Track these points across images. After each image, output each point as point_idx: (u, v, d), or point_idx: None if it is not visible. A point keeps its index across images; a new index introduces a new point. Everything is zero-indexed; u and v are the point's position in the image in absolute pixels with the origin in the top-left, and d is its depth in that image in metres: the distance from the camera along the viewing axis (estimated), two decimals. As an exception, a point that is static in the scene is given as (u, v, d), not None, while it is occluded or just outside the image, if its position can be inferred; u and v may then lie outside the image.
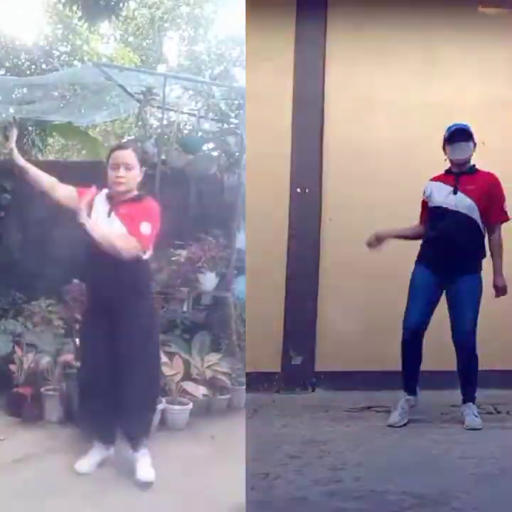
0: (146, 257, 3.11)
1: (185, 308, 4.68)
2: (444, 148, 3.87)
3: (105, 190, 3.16)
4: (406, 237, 3.95)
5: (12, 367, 4.06)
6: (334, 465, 2.90)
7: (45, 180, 3.24)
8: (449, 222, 3.74)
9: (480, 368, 4.18)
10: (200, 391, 4.06)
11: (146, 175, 4.97)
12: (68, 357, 4.07)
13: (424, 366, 3.92)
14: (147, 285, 3.28)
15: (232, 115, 5.72)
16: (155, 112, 6.36)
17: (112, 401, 3.09)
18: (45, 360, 4.05)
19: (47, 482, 3.02)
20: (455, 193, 3.76)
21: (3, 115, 6.19)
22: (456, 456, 3.06)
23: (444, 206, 3.76)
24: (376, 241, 3.88)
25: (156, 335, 3.31)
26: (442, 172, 3.91)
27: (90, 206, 3.06)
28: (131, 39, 12.68)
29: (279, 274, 4.76)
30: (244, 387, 4.21)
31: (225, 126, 5.65)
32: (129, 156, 3.07)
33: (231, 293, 4.77)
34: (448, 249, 3.72)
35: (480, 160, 4.77)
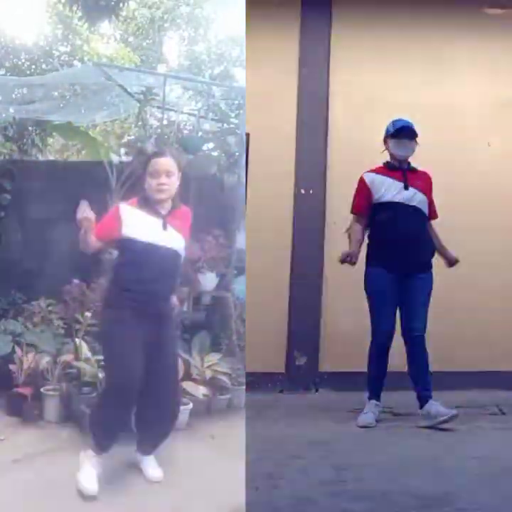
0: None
1: (185, 308, 4.68)
2: (385, 141, 3.87)
3: (125, 204, 3.09)
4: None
5: (12, 367, 4.05)
6: (338, 465, 2.90)
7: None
8: (404, 217, 3.74)
9: (484, 369, 4.20)
10: (200, 391, 4.06)
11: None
12: (68, 357, 4.07)
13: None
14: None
15: (232, 115, 5.72)
16: (155, 112, 6.36)
17: (140, 406, 3.03)
18: (45, 360, 4.05)
19: (47, 482, 3.01)
20: (406, 188, 3.76)
21: (3, 115, 6.20)
22: (459, 457, 3.06)
23: (398, 201, 3.76)
24: (351, 258, 3.84)
25: (178, 343, 3.38)
26: (379, 165, 3.89)
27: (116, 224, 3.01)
28: (131, 39, 12.67)
29: (283, 275, 4.77)
30: (244, 387, 4.21)
31: (225, 126, 5.65)
32: (170, 163, 3.04)
33: (231, 293, 4.77)
34: (406, 244, 3.72)
35: (486, 160, 4.80)
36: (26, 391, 3.90)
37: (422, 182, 3.85)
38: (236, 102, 5.74)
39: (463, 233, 4.73)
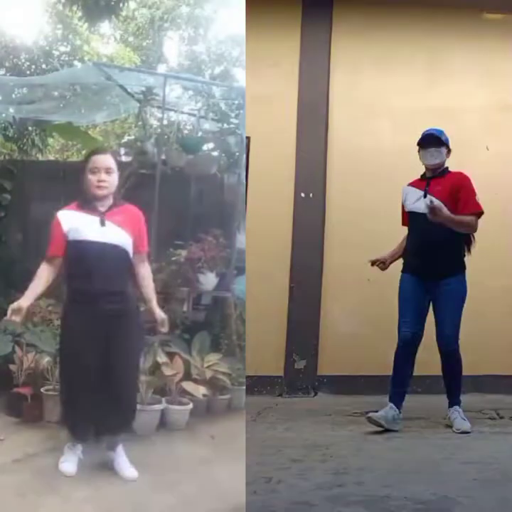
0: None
1: (185, 308, 4.68)
2: (419, 152, 3.87)
3: (65, 210, 3.15)
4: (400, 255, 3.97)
5: (12, 367, 4.05)
6: (337, 469, 2.89)
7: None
8: (422, 225, 3.73)
9: (483, 373, 4.19)
10: (200, 391, 4.05)
11: (146, 175, 5.04)
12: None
13: (428, 371, 3.92)
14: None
15: (232, 115, 5.71)
16: (155, 112, 6.36)
17: (90, 399, 3.09)
18: (45, 360, 4.04)
19: (47, 482, 3.01)
20: (425, 196, 3.76)
21: (3, 115, 6.20)
22: (458, 461, 3.05)
23: (415, 210, 3.79)
24: (382, 265, 3.95)
25: (142, 337, 3.34)
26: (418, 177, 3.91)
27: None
28: (131, 39, 12.69)
29: (282, 278, 4.77)
30: (244, 387, 4.21)
31: (225, 126, 5.65)
32: (109, 160, 3.10)
33: (231, 293, 4.76)
34: (426, 252, 3.73)
35: (484, 163, 4.80)
36: (26, 391, 3.90)
37: (443, 186, 3.77)
38: (236, 102, 5.74)
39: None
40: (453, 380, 3.78)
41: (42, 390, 3.93)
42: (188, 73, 11.60)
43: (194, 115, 6.31)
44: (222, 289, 4.80)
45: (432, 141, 3.81)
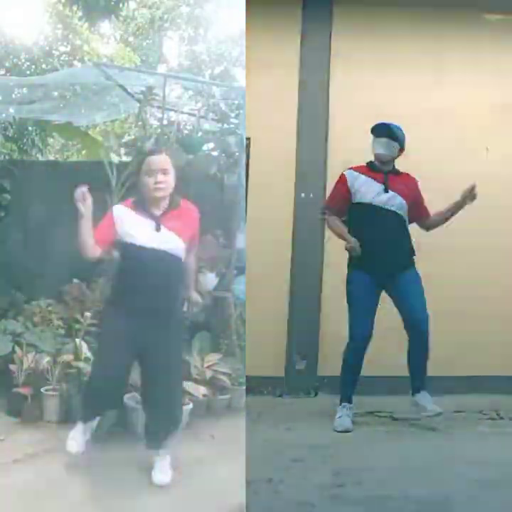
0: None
1: (185, 308, 4.68)
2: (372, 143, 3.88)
3: (120, 206, 3.11)
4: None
5: (12, 367, 4.05)
6: (337, 470, 2.90)
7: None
8: (381, 221, 3.73)
9: (483, 374, 4.17)
10: (200, 391, 4.06)
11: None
12: (68, 357, 4.07)
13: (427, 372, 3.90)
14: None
15: (232, 115, 5.71)
16: (155, 112, 6.35)
17: (115, 391, 3.14)
18: (45, 360, 4.05)
19: (47, 482, 3.01)
20: (386, 191, 3.75)
21: (3, 115, 6.20)
22: (459, 462, 3.05)
23: (376, 204, 3.74)
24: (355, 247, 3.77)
25: (182, 343, 3.39)
26: (362, 164, 3.89)
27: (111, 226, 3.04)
28: (131, 39, 12.70)
29: (282, 279, 4.76)
30: (245, 387, 4.21)
31: (225, 126, 5.65)
32: (165, 160, 3.02)
33: (231, 293, 4.76)
34: (385, 246, 3.71)
35: (488, 166, 4.80)
36: (26, 391, 3.90)
37: (405, 186, 3.81)
38: (236, 102, 5.74)
39: (461, 237, 4.72)
40: (424, 362, 3.76)
41: (42, 390, 3.93)
42: (188, 73, 11.61)
43: (194, 115, 6.31)
44: (222, 289, 4.80)
45: (384, 131, 3.81)
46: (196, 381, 4.13)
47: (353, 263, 3.79)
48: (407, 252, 3.82)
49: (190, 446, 3.55)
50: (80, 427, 3.17)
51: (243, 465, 2.80)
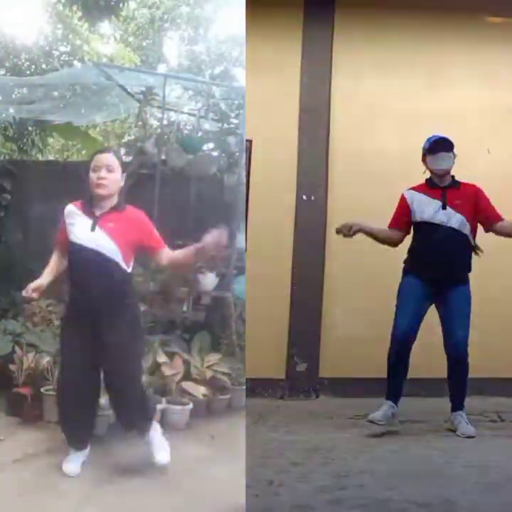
0: (130, 270, 3.11)
1: (185, 308, 4.68)
2: (423, 160, 3.84)
3: (71, 205, 3.15)
4: (376, 239, 3.90)
5: (12, 367, 4.05)
6: (338, 472, 2.88)
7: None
8: (440, 238, 3.72)
9: (484, 376, 4.15)
10: (200, 391, 4.06)
11: (146, 175, 5.04)
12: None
13: (429, 374, 3.90)
14: (132, 296, 3.22)
15: (232, 115, 5.72)
16: (155, 112, 6.36)
17: (87, 406, 3.14)
18: (45, 360, 4.04)
19: (47, 482, 3.01)
20: (444, 208, 3.75)
21: (3, 115, 6.20)
22: (460, 465, 3.03)
23: (435, 222, 3.74)
24: (347, 230, 3.80)
25: (141, 344, 3.31)
26: (422, 182, 3.87)
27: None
28: (131, 39, 12.69)
29: (284, 281, 4.76)
30: (244, 387, 4.21)
31: (225, 126, 5.66)
32: (110, 158, 3.07)
33: (231, 293, 4.76)
34: (439, 262, 3.71)
35: (485, 167, 4.80)
36: (26, 391, 3.90)
37: (463, 200, 3.77)
38: (236, 102, 5.75)
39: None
40: (460, 385, 3.75)
41: (42, 390, 3.93)
42: (188, 73, 11.60)
43: (194, 115, 6.31)
44: (222, 289, 4.80)
45: (444, 145, 3.78)
46: (196, 381, 4.13)
47: (410, 269, 3.81)
48: (463, 269, 3.79)
49: (190, 446, 3.56)
50: (73, 452, 3.19)
51: (243, 465, 2.79)
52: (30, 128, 7.34)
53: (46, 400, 3.90)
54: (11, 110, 6.26)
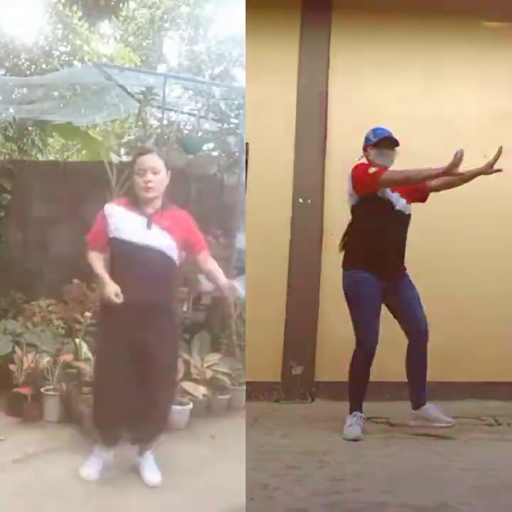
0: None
1: (185, 308, 4.68)
2: (365, 150, 3.82)
3: (112, 205, 3.11)
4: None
5: (12, 367, 4.05)
6: (334, 476, 2.87)
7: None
8: (396, 223, 3.68)
9: (480, 380, 4.16)
10: (200, 391, 4.06)
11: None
12: (68, 357, 4.07)
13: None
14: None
15: (232, 115, 5.72)
16: (155, 112, 6.36)
17: (125, 404, 3.03)
18: (45, 360, 4.05)
19: (47, 482, 3.01)
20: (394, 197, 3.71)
21: (3, 115, 6.21)
22: (456, 468, 3.02)
23: (400, 209, 3.70)
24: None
25: (178, 344, 3.29)
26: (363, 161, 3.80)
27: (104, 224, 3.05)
28: (131, 39, 12.70)
29: (279, 284, 4.77)
30: (245, 387, 4.21)
31: (225, 126, 5.66)
32: (155, 160, 3.01)
33: (231, 293, 4.75)
34: (396, 251, 3.70)
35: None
36: (26, 391, 3.90)
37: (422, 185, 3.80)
38: (236, 102, 5.74)
39: (460, 242, 4.73)
40: (425, 371, 3.73)
41: (42, 390, 3.93)
42: (188, 73, 11.62)
43: (194, 115, 6.31)
44: (222, 289, 4.79)
45: (389, 142, 3.75)
46: (196, 381, 4.13)
47: (365, 266, 3.62)
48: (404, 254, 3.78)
49: (190, 446, 3.56)
50: (97, 452, 3.12)
51: (243, 465, 2.79)
52: (30, 128, 7.35)
53: (46, 399, 3.91)
54: (11, 110, 6.27)
